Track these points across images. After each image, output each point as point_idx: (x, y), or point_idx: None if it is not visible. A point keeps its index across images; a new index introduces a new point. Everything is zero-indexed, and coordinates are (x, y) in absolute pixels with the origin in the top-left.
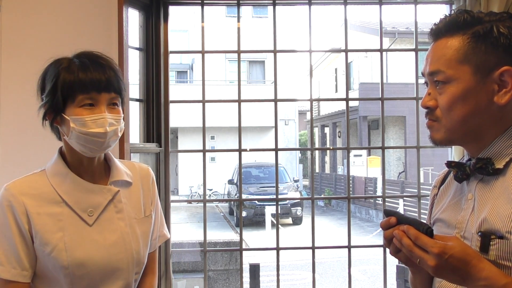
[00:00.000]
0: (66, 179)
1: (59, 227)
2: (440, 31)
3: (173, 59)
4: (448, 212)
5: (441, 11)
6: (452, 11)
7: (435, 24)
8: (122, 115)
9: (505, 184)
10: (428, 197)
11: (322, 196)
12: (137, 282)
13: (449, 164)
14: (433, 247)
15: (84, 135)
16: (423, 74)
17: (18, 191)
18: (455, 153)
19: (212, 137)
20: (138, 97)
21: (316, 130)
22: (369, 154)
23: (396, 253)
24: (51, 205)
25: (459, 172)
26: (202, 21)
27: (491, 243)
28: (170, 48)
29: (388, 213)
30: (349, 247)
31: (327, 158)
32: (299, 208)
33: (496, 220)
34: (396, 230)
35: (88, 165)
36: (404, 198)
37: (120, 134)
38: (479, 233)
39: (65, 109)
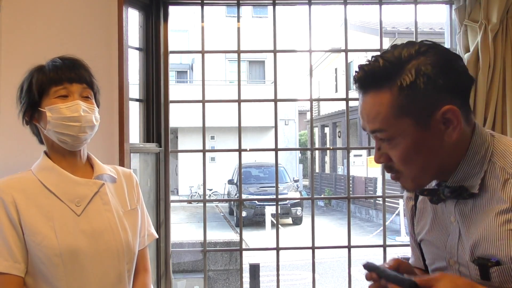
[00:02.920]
0: (52, 172)
1: (48, 217)
2: (365, 84)
3: (173, 59)
4: (435, 233)
5: (441, 11)
6: (454, 11)
7: (356, 72)
8: (97, 108)
9: (486, 202)
10: None
11: (322, 196)
12: (130, 274)
13: (421, 192)
14: None
15: (61, 122)
16: (364, 129)
17: (6, 186)
18: None
19: (212, 137)
20: (138, 97)
21: (316, 130)
22: (369, 154)
23: None
24: (39, 197)
25: (433, 198)
26: (202, 21)
27: (490, 270)
28: (170, 48)
29: (368, 268)
30: (349, 247)
31: (327, 158)
32: (299, 208)
33: (488, 246)
34: None
35: (71, 161)
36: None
37: (96, 124)
38: (475, 261)
39: (41, 104)
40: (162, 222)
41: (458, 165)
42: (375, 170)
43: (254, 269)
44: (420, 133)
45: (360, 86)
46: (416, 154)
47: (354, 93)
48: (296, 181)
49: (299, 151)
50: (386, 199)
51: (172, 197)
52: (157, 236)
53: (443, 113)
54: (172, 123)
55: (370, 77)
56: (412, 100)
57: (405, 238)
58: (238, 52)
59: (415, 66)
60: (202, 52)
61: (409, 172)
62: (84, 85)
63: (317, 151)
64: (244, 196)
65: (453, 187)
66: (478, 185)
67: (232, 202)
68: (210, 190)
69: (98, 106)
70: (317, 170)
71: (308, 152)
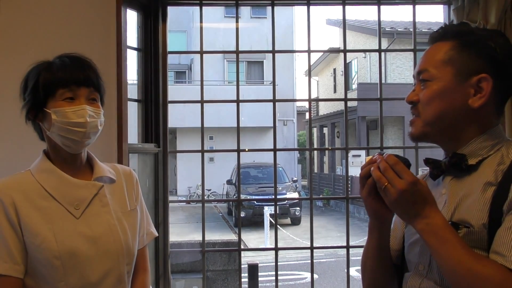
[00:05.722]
0: (52, 175)
1: (47, 220)
2: (438, 36)
3: (171, 59)
4: None
5: (439, 12)
6: (452, 11)
7: (435, 31)
8: (102, 111)
9: (476, 178)
10: None
11: (321, 196)
12: (129, 275)
13: (427, 160)
14: (409, 175)
15: (66, 126)
16: (413, 76)
17: (5, 186)
18: None
19: (211, 138)
20: (136, 98)
21: (314, 130)
22: (367, 154)
23: (367, 195)
24: (38, 199)
25: (435, 169)
26: (201, 22)
27: (458, 231)
28: (169, 49)
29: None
30: (347, 247)
31: (325, 158)
32: (298, 208)
33: (466, 212)
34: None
35: (72, 163)
36: None
37: (100, 128)
38: (450, 222)
39: (46, 104)
40: (160, 223)
41: (470, 141)
42: None
43: (253, 269)
44: (453, 85)
45: (432, 38)
46: (440, 99)
47: (352, 93)
48: (294, 181)
49: (297, 151)
50: None
51: (170, 198)
52: (156, 235)
53: (479, 80)
54: (171, 124)
55: (445, 31)
56: (464, 55)
57: None
58: (237, 52)
59: (481, 36)
60: (201, 52)
61: (425, 115)
62: (91, 88)
63: (315, 151)
64: (242, 197)
65: (455, 153)
66: (478, 160)
67: (231, 203)
68: (209, 190)
69: (102, 106)
70: (315, 170)
71: (307, 152)
